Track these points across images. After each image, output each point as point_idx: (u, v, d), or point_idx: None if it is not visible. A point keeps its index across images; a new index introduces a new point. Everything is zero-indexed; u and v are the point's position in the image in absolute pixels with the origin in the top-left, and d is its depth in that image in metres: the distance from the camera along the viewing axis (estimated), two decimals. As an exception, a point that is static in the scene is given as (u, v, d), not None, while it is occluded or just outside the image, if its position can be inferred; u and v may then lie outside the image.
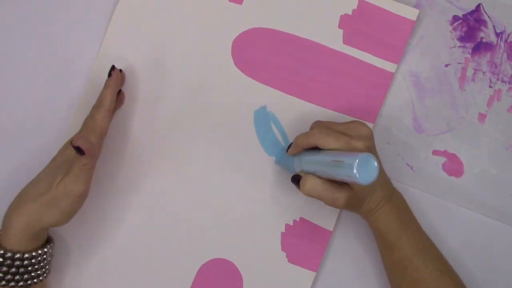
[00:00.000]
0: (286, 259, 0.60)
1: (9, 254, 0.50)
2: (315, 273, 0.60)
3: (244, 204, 0.60)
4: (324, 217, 0.60)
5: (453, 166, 0.61)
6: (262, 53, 0.61)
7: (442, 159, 0.61)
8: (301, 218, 0.60)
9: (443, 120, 0.61)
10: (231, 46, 0.61)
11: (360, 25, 0.60)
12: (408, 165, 0.61)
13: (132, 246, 0.60)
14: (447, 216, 0.61)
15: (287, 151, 0.56)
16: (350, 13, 0.61)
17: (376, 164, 0.45)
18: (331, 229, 0.60)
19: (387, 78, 0.60)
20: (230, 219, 0.60)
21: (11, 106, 0.61)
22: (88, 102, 0.61)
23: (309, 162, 0.52)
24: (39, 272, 0.52)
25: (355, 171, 0.44)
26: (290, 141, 0.60)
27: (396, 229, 0.54)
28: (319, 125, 0.55)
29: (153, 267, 0.60)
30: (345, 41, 0.61)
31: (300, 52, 0.61)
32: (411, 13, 0.60)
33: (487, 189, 0.61)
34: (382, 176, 0.55)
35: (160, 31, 0.61)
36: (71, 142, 0.50)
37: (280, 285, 0.60)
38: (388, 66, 0.60)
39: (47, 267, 0.54)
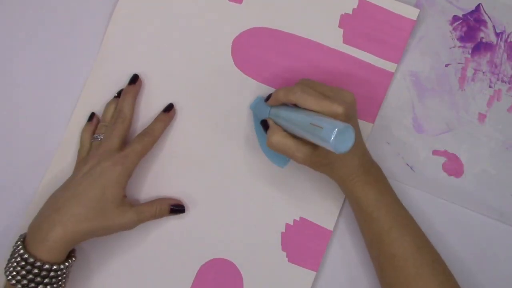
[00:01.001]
0: (286, 259, 0.60)
1: (46, 266, 0.50)
2: (316, 272, 0.60)
3: (244, 204, 0.60)
4: (325, 216, 0.60)
5: (453, 166, 0.61)
6: (262, 52, 0.61)
7: (442, 159, 0.61)
8: (301, 218, 0.60)
9: (443, 120, 0.61)
10: (231, 45, 0.61)
11: (361, 25, 0.60)
12: (408, 165, 0.61)
13: (133, 246, 0.60)
14: (447, 216, 0.61)
15: (265, 100, 0.56)
16: (350, 12, 0.61)
17: (353, 135, 0.46)
18: (331, 228, 0.60)
19: (387, 77, 0.60)
20: (230, 219, 0.60)
21: (11, 106, 0.61)
22: (89, 103, 0.61)
23: (285, 118, 0.52)
24: (60, 283, 0.52)
25: (332, 139, 0.45)
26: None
27: (374, 200, 0.53)
28: (302, 83, 0.54)
29: (153, 266, 0.60)
30: (345, 41, 0.61)
31: (300, 52, 0.61)
32: (411, 13, 0.60)
33: (487, 189, 0.61)
34: (361, 147, 0.55)
35: (160, 31, 0.61)
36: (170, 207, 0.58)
37: (280, 285, 0.60)
38: (388, 65, 0.60)
39: (66, 278, 0.53)
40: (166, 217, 0.59)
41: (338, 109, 0.48)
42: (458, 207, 0.61)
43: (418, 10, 0.60)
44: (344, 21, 0.61)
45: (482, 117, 0.61)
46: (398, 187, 0.59)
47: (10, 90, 0.61)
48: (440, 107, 0.61)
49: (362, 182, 0.53)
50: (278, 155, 0.58)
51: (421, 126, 0.61)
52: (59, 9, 0.62)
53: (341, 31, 0.61)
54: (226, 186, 0.60)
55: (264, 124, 0.55)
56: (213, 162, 0.60)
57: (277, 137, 0.52)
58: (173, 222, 0.60)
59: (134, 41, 0.61)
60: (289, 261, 0.60)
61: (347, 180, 0.54)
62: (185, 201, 0.60)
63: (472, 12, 0.61)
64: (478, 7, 0.61)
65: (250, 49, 0.61)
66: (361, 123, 0.60)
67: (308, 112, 0.49)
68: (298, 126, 0.50)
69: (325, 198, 0.60)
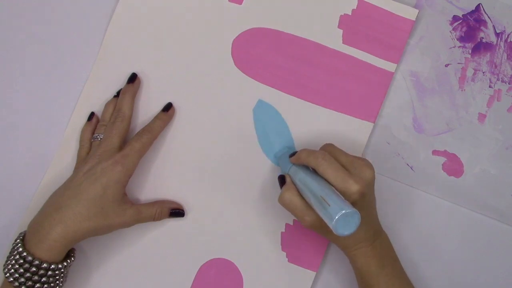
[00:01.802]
0: (286, 259, 0.60)
1: (44, 265, 0.50)
2: (315, 273, 0.60)
3: (244, 204, 0.60)
4: None
5: (453, 166, 0.61)
6: (262, 53, 0.61)
7: (442, 159, 0.61)
8: None
9: (443, 120, 0.61)
10: (231, 46, 0.61)
11: (360, 25, 0.60)
12: (408, 165, 0.61)
13: (132, 246, 0.60)
14: (447, 216, 0.61)
15: (290, 156, 0.55)
16: (349, 13, 0.61)
17: (358, 222, 0.46)
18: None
19: (387, 77, 0.60)
20: (230, 219, 0.60)
21: (11, 106, 0.61)
22: (89, 103, 0.61)
23: (300, 181, 0.52)
24: (57, 282, 0.52)
25: (335, 220, 0.45)
26: (291, 133, 0.61)
27: (375, 273, 0.53)
28: (325, 149, 0.54)
29: (153, 266, 0.60)
30: (345, 41, 0.61)
31: (300, 52, 0.61)
32: (410, 13, 0.60)
33: (487, 189, 0.61)
34: (370, 220, 0.54)
35: (160, 31, 0.61)
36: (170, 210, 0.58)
37: (280, 285, 0.60)
38: (388, 65, 0.60)
39: (64, 278, 0.53)
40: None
41: (353, 186, 0.48)
42: (458, 207, 0.61)
43: (417, 11, 0.60)
44: (344, 21, 0.61)
45: (482, 117, 0.61)
46: (398, 187, 0.59)
47: (10, 90, 0.61)
48: (440, 107, 0.61)
49: (364, 255, 0.53)
50: (287, 162, 0.58)
51: (421, 126, 0.61)
52: (59, 9, 0.62)
53: (340, 31, 0.61)
54: (226, 186, 0.60)
55: (282, 179, 0.54)
56: (213, 161, 0.60)
57: (289, 196, 0.52)
58: (173, 221, 0.60)
59: (134, 41, 0.61)
60: (289, 261, 0.60)
61: (350, 250, 0.53)
62: (186, 200, 0.60)
63: (472, 12, 0.61)
64: (478, 7, 0.61)
65: (250, 49, 0.61)
66: (362, 123, 0.60)
67: (324, 182, 0.49)
68: (310, 192, 0.50)
69: None
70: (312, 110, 0.60)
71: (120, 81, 0.60)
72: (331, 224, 0.45)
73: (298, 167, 0.54)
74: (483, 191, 0.61)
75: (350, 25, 0.61)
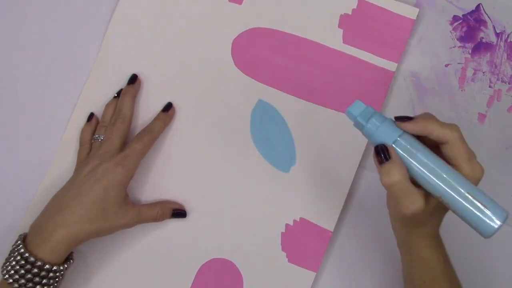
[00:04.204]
0: (286, 259, 0.60)
1: (47, 266, 0.50)
2: (315, 273, 0.60)
3: (244, 204, 0.60)
4: (325, 217, 0.60)
5: (453, 166, 0.61)
6: (262, 53, 0.61)
7: (442, 159, 0.61)
8: (301, 218, 0.60)
9: (443, 120, 0.61)
10: (231, 46, 0.61)
11: (360, 25, 0.60)
12: (408, 165, 0.61)
13: (132, 246, 0.60)
14: (447, 216, 0.61)
15: (396, 120, 0.45)
16: (350, 12, 0.61)
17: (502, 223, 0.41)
18: (331, 229, 0.60)
19: (388, 77, 0.60)
20: (230, 219, 0.60)
21: (11, 106, 0.61)
22: (88, 103, 0.61)
23: (422, 164, 0.43)
24: (56, 284, 0.52)
25: (496, 227, 0.41)
26: (292, 135, 0.60)
27: (442, 262, 0.50)
28: (458, 130, 0.45)
29: (153, 266, 0.60)
30: (345, 41, 0.61)
31: (300, 52, 0.61)
32: (411, 12, 0.60)
33: (487, 189, 0.61)
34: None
35: (160, 31, 0.61)
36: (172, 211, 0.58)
37: (280, 285, 0.60)
38: (388, 65, 0.60)
39: (62, 280, 0.53)
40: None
41: (479, 173, 0.44)
42: (458, 207, 0.61)
43: (418, 10, 0.60)
44: (344, 21, 0.61)
45: (482, 117, 0.61)
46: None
47: (10, 90, 0.61)
48: (440, 107, 0.61)
49: (435, 244, 0.50)
50: (284, 157, 0.58)
51: (421, 126, 0.61)
52: (59, 9, 0.62)
53: (341, 31, 0.61)
54: (226, 186, 0.60)
55: (383, 151, 0.44)
56: (213, 162, 0.60)
57: (399, 177, 0.43)
58: (173, 221, 0.60)
59: (134, 41, 0.61)
60: (289, 261, 0.60)
61: (432, 238, 0.50)
62: (185, 200, 0.60)
63: (472, 12, 0.61)
64: (478, 7, 0.61)
65: (250, 49, 0.61)
66: None
67: (465, 180, 0.43)
68: (444, 183, 0.42)
69: (326, 199, 0.60)
70: (312, 109, 0.60)
71: (120, 81, 0.60)
72: (485, 229, 0.41)
73: (413, 141, 0.44)
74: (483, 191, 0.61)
75: (350, 25, 0.61)
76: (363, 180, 0.61)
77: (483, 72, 0.61)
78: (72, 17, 0.61)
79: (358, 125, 0.46)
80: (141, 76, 0.60)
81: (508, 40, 0.61)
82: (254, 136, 0.61)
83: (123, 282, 0.60)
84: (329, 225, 0.60)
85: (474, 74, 0.61)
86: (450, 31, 0.61)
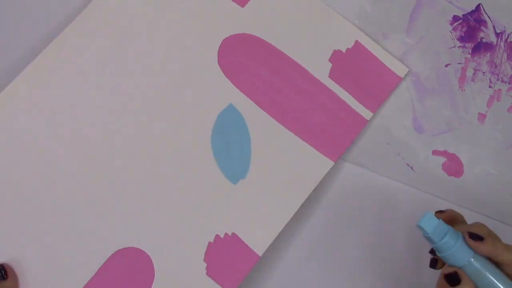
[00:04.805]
0: (205, 271, 0.56)
1: None
2: None
3: (180, 202, 0.57)
4: (258, 239, 0.57)
5: (453, 166, 0.61)
6: (248, 60, 0.60)
7: (442, 159, 0.61)
8: (233, 234, 0.57)
9: (443, 120, 0.61)
10: (220, 43, 0.60)
11: (350, 65, 0.61)
12: (408, 165, 0.61)
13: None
14: (447, 216, 0.61)
15: (470, 237, 0.45)
16: (343, 50, 0.61)
17: None
18: (260, 253, 0.56)
19: (360, 123, 0.60)
20: (161, 212, 0.57)
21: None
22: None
23: (491, 285, 0.44)
24: None
25: None
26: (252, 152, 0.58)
27: None
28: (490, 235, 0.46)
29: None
30: (331, 76, 0.61)
31: (285, 71, 0.60)
32: (400, 70, 0.61)
33: (487, 189, 0.61)
34: None
35: (153, 19, 0.60)
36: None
37: None
38: (364, 112, 0.60)
39: None
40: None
41: None
42: (458, 207, 0.61)
43: (407, 69, 0.61)
44: (336, 57, 0.61)
45: (482, 117, 0.61)
46: (398, 187, 0.59)
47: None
48: (440, 107, 0.61)
49: None
50: (236, 168, 0.56)
51: (421, 126, 0.61)
52: (59, 9, 0.61)
53: (330, 65, 0.61)
54: (168, 179, 0.57)
55: (451, 275, 0.45)
56: (163, 154, 0.58)
57: None
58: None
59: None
60: (207, 273, 0.56)
61: None
62: (124, 185, 0.57)
63: (472, 12, 0.61)
64: (478, 7, 0.61)
65: (237, 52, 0.60)
66: (323, 159, 0.59)
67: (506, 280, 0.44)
68: None
69: (264, 222, 0.57)
70: (279, 130, 0.59)
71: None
72: None
73: (483, 260, 0.45)
74: (483, 191, 0.61)
75: (340, 62, 0.61)
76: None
77: (483, 72, 0.61)
78: (72, 17, 0.61)
79: (429, 239, 0.47)
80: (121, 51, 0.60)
81: (508, 40, 0.61)
82: (214, 139, 0.59)
83: (19, 257, 0.54)
84: (260, 249, 0.57)
85: (474, 74, 0.61)
86: (450, 31, 0.61)
